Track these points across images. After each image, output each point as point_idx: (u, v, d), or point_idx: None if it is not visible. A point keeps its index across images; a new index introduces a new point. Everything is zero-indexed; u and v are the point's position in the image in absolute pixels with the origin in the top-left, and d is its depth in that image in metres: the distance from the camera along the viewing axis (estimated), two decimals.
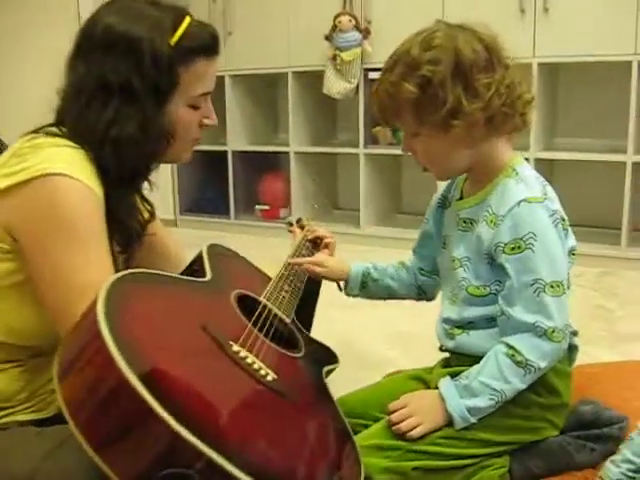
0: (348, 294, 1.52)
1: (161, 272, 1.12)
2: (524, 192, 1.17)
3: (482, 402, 1.16)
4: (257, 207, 4.44)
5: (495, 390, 1.15)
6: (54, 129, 1.24)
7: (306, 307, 1.48)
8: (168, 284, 1.10)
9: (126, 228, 1.28)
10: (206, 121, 1.34)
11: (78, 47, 1.25)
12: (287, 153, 4.20)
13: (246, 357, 1.02)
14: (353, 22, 3.74)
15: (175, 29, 1.23)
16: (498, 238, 1.17)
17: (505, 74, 1.16)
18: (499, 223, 1.17)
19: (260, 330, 1.15)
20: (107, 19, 1.24)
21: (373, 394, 1.41)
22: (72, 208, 1.14)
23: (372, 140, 3.92)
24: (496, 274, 1.20)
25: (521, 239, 1.14)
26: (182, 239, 4.18)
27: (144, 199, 1.42)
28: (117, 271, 1.27)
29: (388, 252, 3.82)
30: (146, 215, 1.40)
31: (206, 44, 1.28)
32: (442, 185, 1.41)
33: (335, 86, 3.85)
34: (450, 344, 1.31)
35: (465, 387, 1.18)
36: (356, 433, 1.32)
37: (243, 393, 0.97)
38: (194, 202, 4.71)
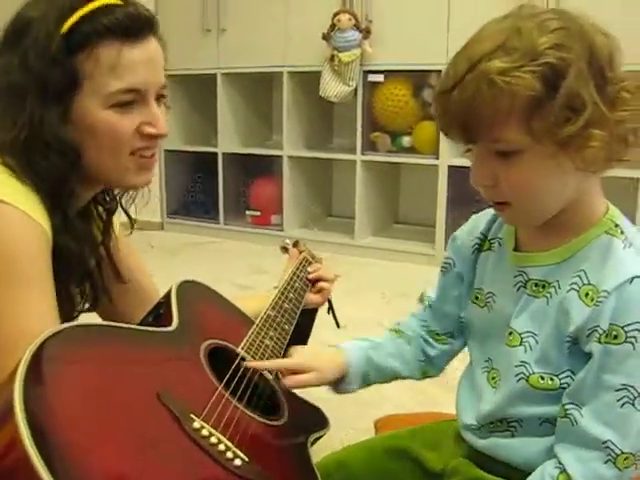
0: (339, 391, 1.13)
1: (110, 323, 0.93)
2: (638, 263, 0.85)
3: None
4: (247, 212, 4.26)
5: None
6: None
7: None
8: (118, 339, 0.90)
9: (83, 266, 1.10)
10: (147, 128, 1.07)
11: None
12: (280, 157, 4.01)
13: (210, 436, 0.83)
14: (353, 21, 3.55)
15: (76, 10, 1.01)
16: (596, 320, 0.85)
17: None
18: (601, 301, 0.85)
19: (234, 393, 0.95)
20: (21, 9, 1.05)
21: (362, 467, 1.14)
22: (11, 242, 0.95)
23: (370, 146, 3.74)
24: (569, 362, 0.90)
25: (622, 328, 0.83)
26: (168, 243, 4.08)
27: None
28: (68, 315, 1.09)
29: (383, 264, 3.67)
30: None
31: (113, 24, 1.02)
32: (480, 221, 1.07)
33: (332, 88, 3.66)
34: (480, 443, 1.00)
35: None
36: None
37: None
38: (182, 205, 4.53)
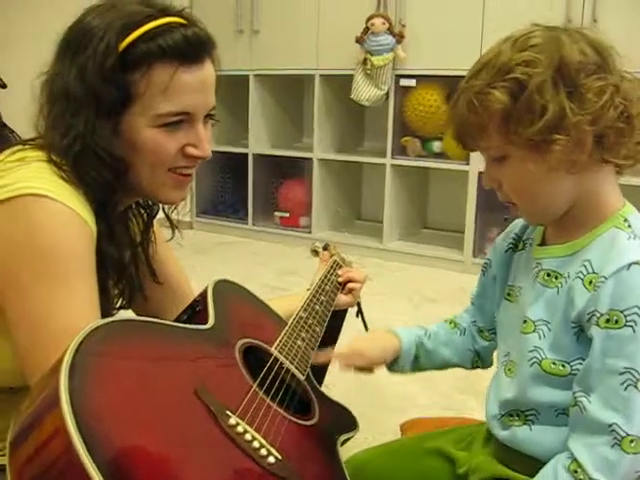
0: (393, 371, 1.21)
1: (150, 319, 0.94)
2: (638, 252, 0.89)
3: None
4: (276, 213, 4.28)
5: None
6: (46, 142, 1.07)
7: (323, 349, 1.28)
8: (157, 335, 0.91)
9: (121, 269, 1.12)
10: (190, 150, 1.09)
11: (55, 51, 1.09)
12: (310, 159, 4.03)
13: (244, 432, 0.84)
14: (386, 25, 3.56)
15: (137, 28, 1.03)
16: (594, 305, 0.90)
17: (621, 83, 0.90)
18: (599, 286, 0.89)
19: (267, 392, 0.97)
20: (82, 16, 1.06)
21: (391, 465, 1.18)
22: (56, 238, 0.97)
23: (400, 151, 3.74)
24: (579, 349, 0.93)
25: (622, 312, 0.87)
26: (197, 242, 4.11)
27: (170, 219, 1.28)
28: (106, 312, 1.11)
29: (411, 269, 3.67)
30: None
31: (170, 46, 1.03)
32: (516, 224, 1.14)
33: (364, 92, 3.67)
34: (503, 434, 1.04)
35: None
36: None
37: None
38: (211, 204, 4.56)
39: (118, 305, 1.23)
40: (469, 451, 1.13)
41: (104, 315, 1.06)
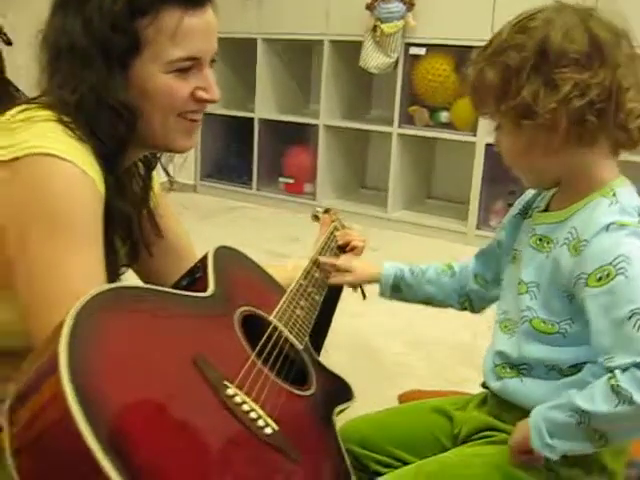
0: (380, 295, 1.36)
1: (150, 287, 0.94)
2: (615, 215, 0.96)
3: (560, 415, 0.93)
4: (281, 179, 4.26)
5: (577, 408, 0.91)
6: (51, 99, 1.06)
7: (321, 319, 1.29)
8: (156, 303, 0.91)
9: (129, 224, 1.12)
10: (201, 93, 1.10)
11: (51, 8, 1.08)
12: (316, 126, 4.00)
13: (242, 403, 0.84)
14: None
15: None
16: (580, 268, 0.95)
17: (608, 76, 0.95)
18: (582, 249, 0.96)
19: (265, 361, 0.97)
20: None
21: (391, 425, 1.24)
22: (62, 198, 0.97)
23: (407, 120, 3.71)
24: (570, 311, 0.99)
25: (610, 264, 0.92)
26: (201, 206, 4.11)
27: (166, 172, 1.27)
28: (113, 269, 1.11)
29: (415, 239, 3.66)
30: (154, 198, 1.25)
31: None
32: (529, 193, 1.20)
33: (373, 59, 3.63)
34: (495, 385, 1.09)
35: (557, 399, 0.97)
36: (368, 469, 1.18)
37: (234, 452, 0.80)
38: (216, 168, 4.53)
39: (125, 262, 1.23)
40: (464, 410, 1.18)
41: (111, 273, 1.06)
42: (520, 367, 1.06)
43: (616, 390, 0.87)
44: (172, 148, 1.16)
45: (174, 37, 1.04)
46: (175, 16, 1.04)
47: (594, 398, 0.90)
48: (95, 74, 1.03)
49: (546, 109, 0.95)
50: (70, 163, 0.97)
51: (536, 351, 1.03)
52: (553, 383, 1.02)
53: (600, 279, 0.92)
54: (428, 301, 1.33)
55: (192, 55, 1.07)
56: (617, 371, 0.88)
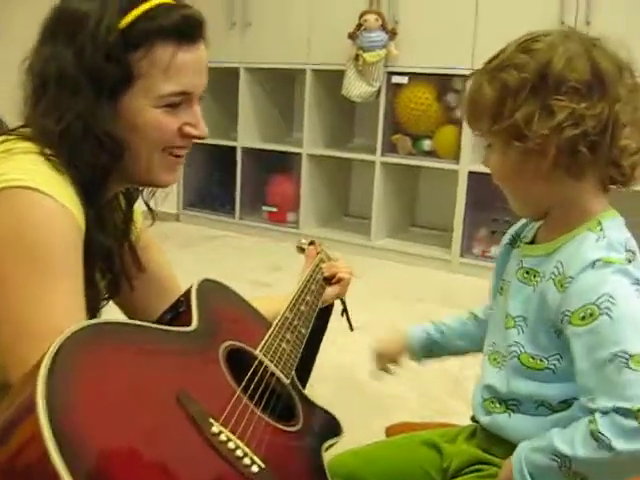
0: (411, 359, 1.34)
1: (131, 322, 0.91)
2: (601, 251, 0.93)
3: (542, 458, 0.92)
4: (264, 208, 4.26)
5: (557, 451, 0.90)
6: (32, 130, 1.04)
7: (307, 352, 1.26)
8: (138, 339, 0.88)
9: (110, 258, 1.09)
10: (189, 129, 1.09)
11: (38, 37, 1.06)
12: (300, 154, 4.01)
13: (228, 441, 0.81)
14: (380, 21, 3.54)
15: (134, 8, 1.02)
16: (565, 305, 0.93)
17: (605, 109, 0.93)
18: (567, 286, 0.93)
19: (251, 397, 0.94)
20: (67, 1, 1.05)
21: (378, 459, 1.21)
22: (40, 231, 0.94)
23: (390, 148, 3.72)
24: (558, 346, 0.97)
25: (594, 304, 0.89)
26: (184, 235, 4.08)
27: (149, 208, 1.24)
28: (94, 304, 1.09)
29: (399, 267, 3.66)
30: (136, 231, 1.22)
31: (171, 25, 1.03)
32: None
33: (355, 88, 3.65)
34: (485, 420, 1.07)
35: (538, 439, 0.95)
36: None
37: None
38: (199, 197, 4.53)
39: (105, 296, 1.21)
40: (454, 444, 1.15)
41: (91, 308, 1.04)
42: (509, 402, 1.04)
43: (595, 436, 0.86)
44: (154, 183, 1.14)
45: (167, 71, 1.03)
46: (169, 51, 1.03)
47: (574, 442, 0.88)
48: (83, 103, 1.01)
49: (537, 134, 0.93)
50: (49, 197, 0.95)
51: (525, 387, 1.01)
52: (542, 419, 0.99)
53: (584, 318, 0.90)
54: (457, 353, 1.31)
55: (184, 90, 1.06)
56: (597, 414, 0.87)
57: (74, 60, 1.01)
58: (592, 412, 0.88)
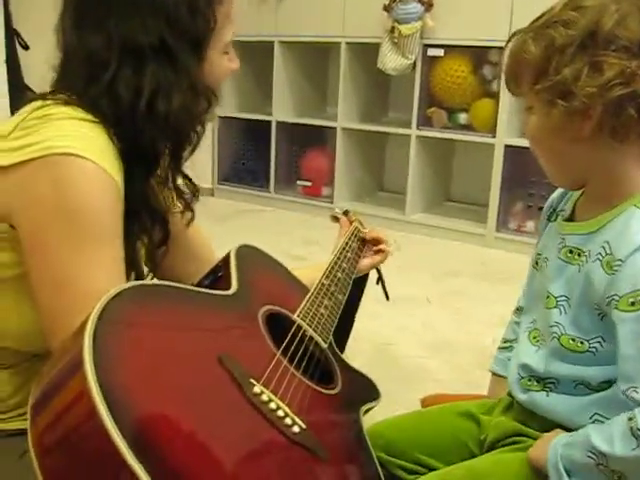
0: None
1: (174, 284, 0.92)
2: None
3: (579, 454, 0.91)
4: (298, 182, 4.25)
5: (594, 448, 0.88)
6: (67, 96, 1.04)
7: (344, 318, 1.27)
8: (181, 301, 0.90)
9: (162, 212, 1.11)
10: (234, 65, 1.15)
11: (78, 7, 1.05)
12: (334, 128, 3.99)
13: (269, 401, 0.82)
14: None
15: None
16: (613, 289, 0.89)
17: None
18: (617, 269, 0.90)
19: (291, 360, 0.95)
20: None
21: (416, 430, 1.20)
22: (83, 197, 0.94)
23: (425, 121, 3.69)
24: (601, 328, 0.94)
25: None
26: (218, 210, 4.11)
27: (185, 176, 1.22)
28: (135, 272, 1.10)
29: (433, 241, 3.65)
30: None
31: None
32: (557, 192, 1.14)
33: (391, 61, 3.62)
34: (522, 397, 1.06)
35: (574, 434, 0.94)
36: (393, 475, 1.15)
37: (262, 450, 0.78)
38: (233, 172, 4.53)
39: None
40: (491, 415, 1.14)
41: (128, 271, 1.05)
42: (546, 381, 1.02)
43: (635, 433, 0.84)
44: None
45: (229, 16, 1.09)
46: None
47: (612, 439, 0.87)
48: (187, 73, 1.04)
49: (585, 92, 0.89)
50: (91, 162, 0.95)
51: (564, 368, 0.99)
52: (580, 399, 0.98)
53: (633, 304, 0.87)
54: None
55: (235, 33, 1.12)
56: (638, 410, 0.85)
57: (167, 26, 1.01)
58: (634, 401, 0.86)
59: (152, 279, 1.16)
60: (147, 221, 1.09)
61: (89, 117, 1.00)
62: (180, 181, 1.22)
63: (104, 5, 1.03)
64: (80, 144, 0.96)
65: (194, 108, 1.06)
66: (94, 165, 0.95)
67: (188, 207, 1.21)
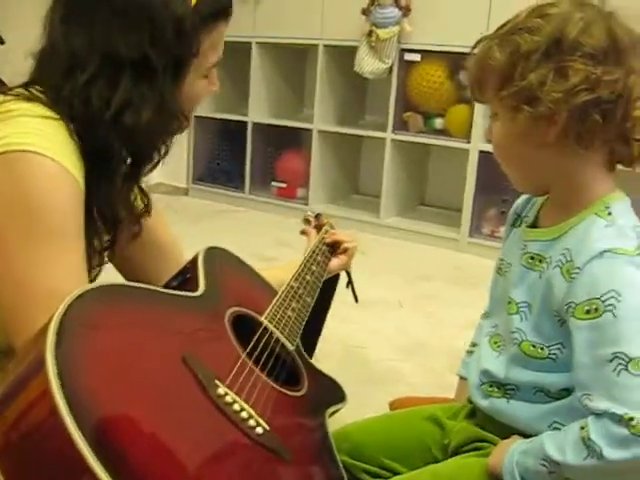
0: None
1: (139, 285, 0.92)
2: (611, 240, 0.90)
3: (533, 462, 0.92)
4: (273, 184, 4.24)
5: (547, 457, 0.90)
6: (29, 91, 1.03)
7: (313, 321, 1.27)
8: (146, 302, 0.90)
9: (113, 218, 1.09)
10: (213, 88, 1.17)
11: (69, 4, 1.04)
12: (310, 130, 3.98)
13: (233, 402, 0.83)
14: None
15: None
16: (571, 296, 0.91)
17: (622, 77, 0.90)
18: (574, 277, 0.91)
19: (256, 361, 0.95)
20: None
21: (383, 433, 1.21)
22: (42, 195, 0.94)
23: (401, 126, 3.70)
24: (561, 335, 0.95)
25: (599, 299, 0.87)
26: (192, 210, 4.09)
27: (141, 189, 1.23)
28: (93, 273, 1.09)
29: (407, 245, 3.65)
30: (140, 205, 1.21)
31: (225, 5, 1.12)
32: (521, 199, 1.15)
33: (368, 65, 3.62)
34: (483, 403, 1.07)
35: (530, 441, 0.96)
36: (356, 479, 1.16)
37: (225, 452, 0.79)
38: (208, 171, 4.51)
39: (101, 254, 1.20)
40: (455, 420, 1.15)
41: (88, 267, 1.04)
42: (507, 387, 1.03)
43: (587, 443, 0.86)
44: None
45: (214, 45, 1.11)
46: (221, 29, 1.11)
47: (564, 448, 0.89)
48: (162, 90, 1.05)
49: (550, 97, 0.89)
50: (49, 159, 0.95)
51: (524, 375, 1.00)
52: (540, 406, 0.99)
53: (588, 312, 0.88)
54: None
55: (220, 58, 1.14)
56: (590, 419, 0.87)
57: (152, 46, 1.02)
58: (587, 409, 0.88)
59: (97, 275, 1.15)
60: (99, 221, 1.08)
61: (50, 114, 0.99)
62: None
63: (92, 10, 1.03)
64: (40, 141, 0.95)
65: (161, 128, 1.07)
66: (54, 163, 0.95)
67: (137, 220, 1.21)
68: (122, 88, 1.02)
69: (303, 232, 1.62)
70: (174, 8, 1.02)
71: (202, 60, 1.09)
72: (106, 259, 1.20)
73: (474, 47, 0.99)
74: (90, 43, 1.02)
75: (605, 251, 0.89)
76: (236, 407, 0.82)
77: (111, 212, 1.08)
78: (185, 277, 1.09)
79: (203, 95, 1.15)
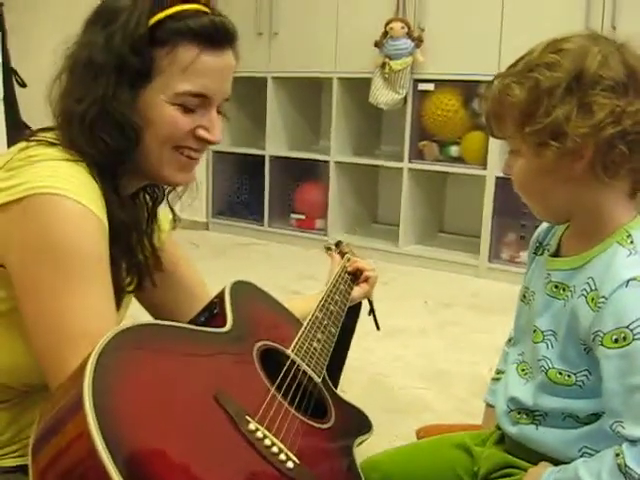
0: None
1: (169, 323, 0.95)
2: (635, 268, 0.90)
3: None
4: (292, 216, 4.29)
5: None
6: (51, 136, 1.07)
7: (337, 351, 1.29)
8: (177, 340, 0.92)
9: (134, 256, 1.12)
10: (202, 132, 1.10)
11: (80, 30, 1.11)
12: (327, 162, 4.03)
13: (264, 437, 0.84)
14: (405, 29, 3.56)
15: (166, 8, 1.05)
16: (598, 325, 0.91)
17: None
18: (601, 306, 0.91)
19: (285, 395, 0.97)
20: None
21: (411, 462, 1.21)
22: (69, 236, 0.96)
23: (417, 154, 3.74)
24: (587, 362, 0.95)
25: (627, 327, 0.87)
26: (213, 243, 4.12)
27: (171, 208, 1.27)
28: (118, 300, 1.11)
29: (427, 272, 3.67)
30: (162, 235, 1.25)
31: (198, 28, 1.05)
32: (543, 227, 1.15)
33: (382, 96, 3.67)
34: (512, 430, 1.07)
35: (562, 469, 0.96)
36: None
37: None
38: (228, 205, 4.57)
39: (129, 290, 1.20)
40: (483, 446, 1.15)
41: (116, 303, 1.05)
42: (535, 414, 1.03)
43: (623, 470, 0.86)
44: (166, 180, 1.15)
45: (185, 71, 1.05)
46: (191, 52, 1.05)
47: (600, 475, 0.88)
48: (104, 85, 1.04)
49: (577, 132, 0.89)
50: (73, 201, 0.96)
51: (551, 402, 1.00)
52: (570, 432, 0.99)
53: (617, 341, 0.89)
54: None
55: (200, 92, 1.07)
56: (625, 446, 0.87)
57: (103, 47, 1.04)
58: (621, 436, 0.88)
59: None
60: (119, 257, 1.09)
61: (69, 156, 1.02)
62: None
63: (85, 24, 1.10)
64: (63, 184, 0.97)
65: (109, 130, 1.05)
66: (78, 205, 0.97)
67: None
68: (70, 83, 1.07)
69: (328, 249, 1.64)
70: (131, 19, 1.04)
71: (166, 80, 1.05)
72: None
73: (488, 85, 0.99)
74: (69, 52, 1.08)
75: (630, 279, 0.89)
76: (267, 442, 0.84)
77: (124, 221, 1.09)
78: (212, 312, 1.11)
79: (181, 128, 1.08)
